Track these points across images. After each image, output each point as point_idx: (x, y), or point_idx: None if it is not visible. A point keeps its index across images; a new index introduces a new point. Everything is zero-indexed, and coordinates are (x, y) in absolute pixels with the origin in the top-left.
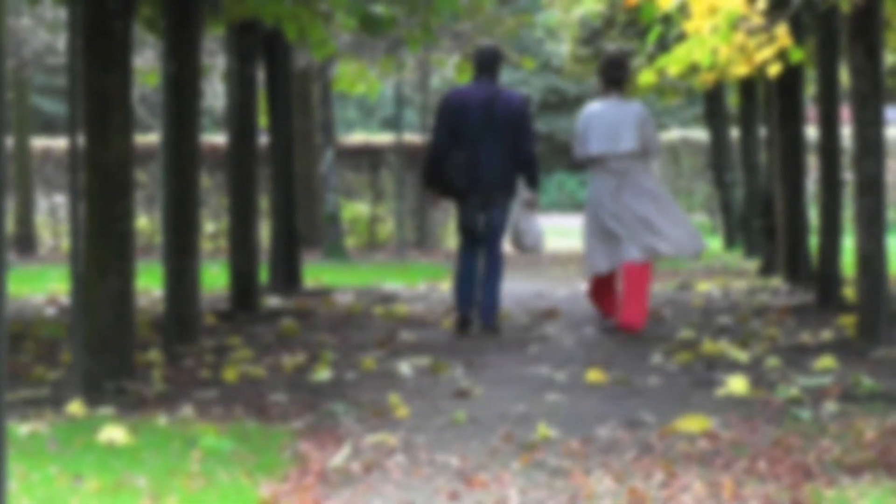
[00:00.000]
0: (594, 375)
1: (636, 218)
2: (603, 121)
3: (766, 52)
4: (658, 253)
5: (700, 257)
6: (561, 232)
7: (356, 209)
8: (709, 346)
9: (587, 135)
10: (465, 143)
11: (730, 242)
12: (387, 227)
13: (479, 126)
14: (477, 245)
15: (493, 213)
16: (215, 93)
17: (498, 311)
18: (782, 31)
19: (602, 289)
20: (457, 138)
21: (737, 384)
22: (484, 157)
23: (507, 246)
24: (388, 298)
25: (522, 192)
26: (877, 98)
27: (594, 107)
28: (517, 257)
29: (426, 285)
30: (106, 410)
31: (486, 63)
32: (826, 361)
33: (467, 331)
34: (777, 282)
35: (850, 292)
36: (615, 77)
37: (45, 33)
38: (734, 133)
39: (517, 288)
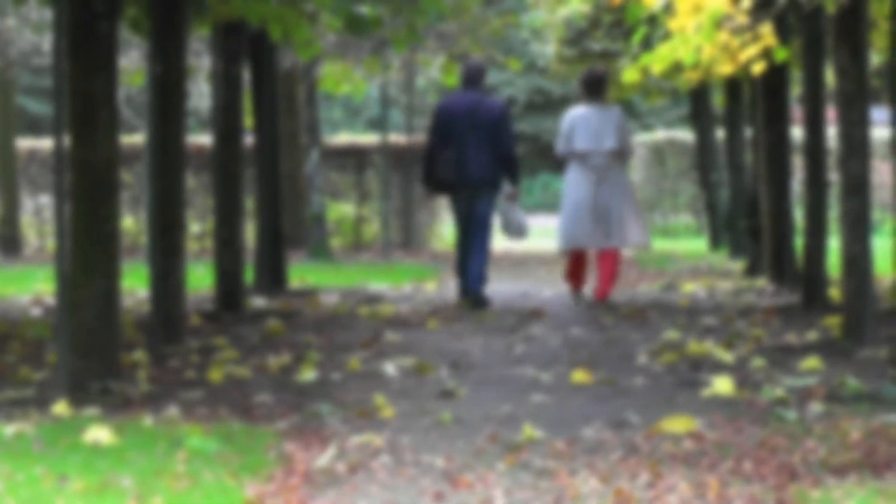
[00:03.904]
0: (580, 376)
1: (610, 210)
2: (588, 122)
3: (751, 51)
4: (620, 244)
5: (648, 249)
6: (546, 232)
7: (342, 210)
8: (694, 346)
9: (573, 134)
10: (454, 144)
11: (715, 243)
12: (372, 228)
13: (465, 129)
14: (468, 232)
15: (479, 204)
16: (201, 93)
17: (483, 284)
18: (766, 30)
19: (576, 269)
20: (447, 140)
21: (722, 385)
22: (470, 155)
23: (496, 234)
24: (374, 299)
25: (505, 187)
26: (862, 98)
27: (578, 110)
28: (504, 257)
29: (411, 286)
30: (91, 411)
31: (473, 76)
32: (811, 362)
33: (467, 298)
34: (762, 282)
35: (835, 293)
36: (596, 91)
37: (31, 34)
38: (720, 133)
39: (503, 288)
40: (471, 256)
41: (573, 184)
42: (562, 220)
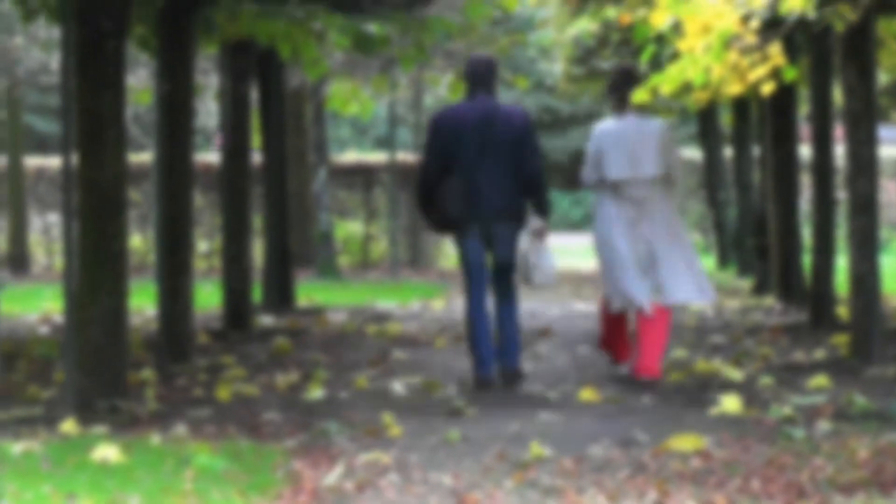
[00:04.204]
0: (587, 394)
1: (653, 256)
2: (621, 142)
3: (760, 71)
4: (668, 300)
5: (711, 306)
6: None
7: (349, 228)
8: (702, 365)
9: (602, 157)
10: (462, 168)
11: (723, 261)
12: (380, 246)
13: (476, 147)
14: (486, 285)
15: (498, 247)
16: (209, 112)
17: (520, 354)
18: (776, 50)
19: (614, 330)
20: (451, 163)
21: (730, 403)
22: (483, 182)
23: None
24: (382, 317)
25: (531, 220)
26: (870, 117)
27: (608, 125)
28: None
29: (419, 304)
30: (99, 429)
31: (481, 76)
32: (819, 380)
33: (488, 388)
34: (770, 301)
35: (843, 311)
36: (628, 93)
37: (39, 52)
38: (728, 152)
39: None
40: (501, 322)
41: (606, 222)
42: (606, 273)
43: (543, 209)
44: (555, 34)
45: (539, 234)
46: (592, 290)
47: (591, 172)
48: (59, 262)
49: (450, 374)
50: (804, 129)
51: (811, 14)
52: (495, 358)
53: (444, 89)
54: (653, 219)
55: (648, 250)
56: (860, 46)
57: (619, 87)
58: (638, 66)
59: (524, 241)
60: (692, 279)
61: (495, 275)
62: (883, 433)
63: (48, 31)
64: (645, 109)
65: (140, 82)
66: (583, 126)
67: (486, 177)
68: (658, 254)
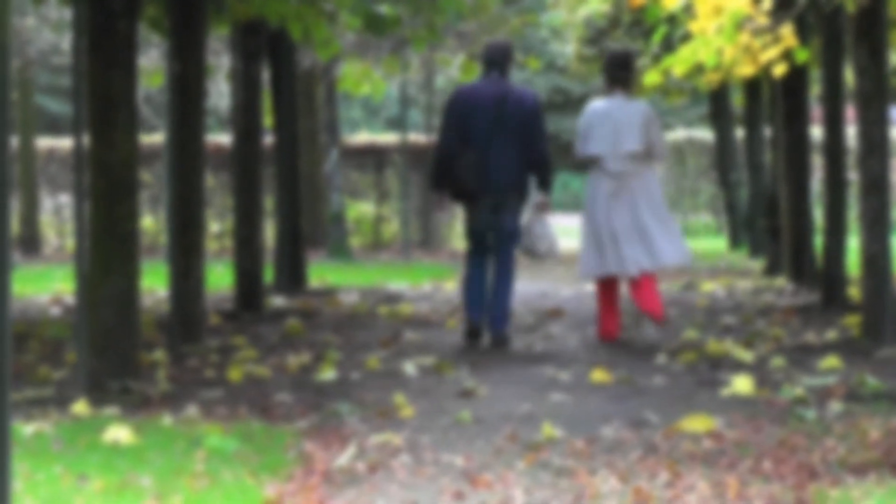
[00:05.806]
0: (599, 375)
1: (629, 227)
2: (605, 119)
3: (772, 53)
4: (645, 268)
5: (686, 267)
6: (566, 232)
7: (361, 209)
8: (713, 346)
9: (588, 133)
10: (475, 144)
11: (734, 242)
12: (392, 227)
13: (489, 125)
14: (486, 251)
15: (504, 217)
16: (220, 93)
17: (508, 322)
18: (787, 32)
19: (606, 300)
20: (465, 138)
21: (741, 384)
22: (494, 157)
23: (518, 251)
24: (393, 298)
25: (534, 194)
26: (881, 98)
27: (597, 105)
28: (522, 257)
29: (431, 285)
30: (110, 410)
31: (496, 59)
32: (831, 361)
33: (477, 341)
34: (782, 282)
35: (854, 292)
36: (619, 76)
37: (50, 33)
38: (739, 133)
39: (522, 288)
40: (495, 286)
41: (589, 196)
42: (582, 243)
43: (547, 185)
44: (566, 15)
45: (542, 208)
46: None
47: (580, 148)
48: (70, 242)
49: (461, 355)
50: (815, 109)
51: None
52: (485, 316)
53: (455, 70)
54: (632, 191)
55: (626, 224)
56: (872, 27)
57: (610, 69)
58: (634, 50)
59: (527, 214)
60: (672, 243)
61: (498, 243)
62: (894, 414)
63: (59, 11)
64: (634, 92)
65: (151, 63)
66: None
67: (496, 152)
68: (636, 227)
